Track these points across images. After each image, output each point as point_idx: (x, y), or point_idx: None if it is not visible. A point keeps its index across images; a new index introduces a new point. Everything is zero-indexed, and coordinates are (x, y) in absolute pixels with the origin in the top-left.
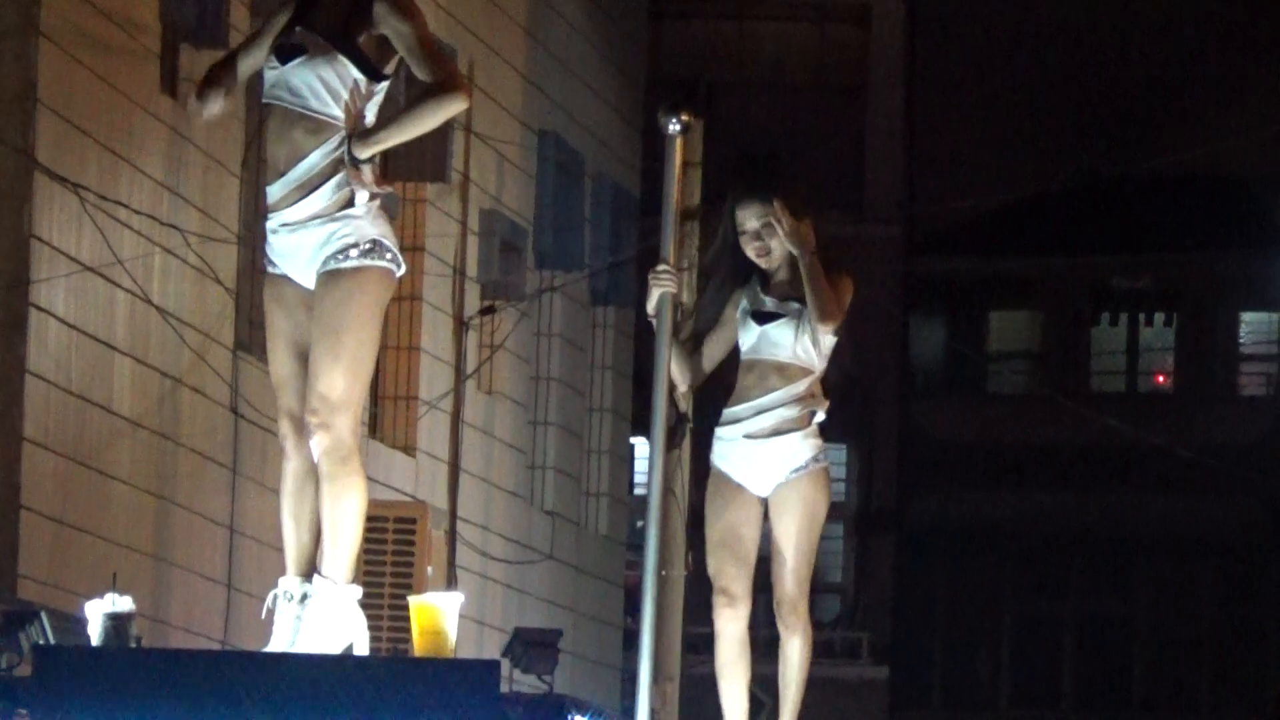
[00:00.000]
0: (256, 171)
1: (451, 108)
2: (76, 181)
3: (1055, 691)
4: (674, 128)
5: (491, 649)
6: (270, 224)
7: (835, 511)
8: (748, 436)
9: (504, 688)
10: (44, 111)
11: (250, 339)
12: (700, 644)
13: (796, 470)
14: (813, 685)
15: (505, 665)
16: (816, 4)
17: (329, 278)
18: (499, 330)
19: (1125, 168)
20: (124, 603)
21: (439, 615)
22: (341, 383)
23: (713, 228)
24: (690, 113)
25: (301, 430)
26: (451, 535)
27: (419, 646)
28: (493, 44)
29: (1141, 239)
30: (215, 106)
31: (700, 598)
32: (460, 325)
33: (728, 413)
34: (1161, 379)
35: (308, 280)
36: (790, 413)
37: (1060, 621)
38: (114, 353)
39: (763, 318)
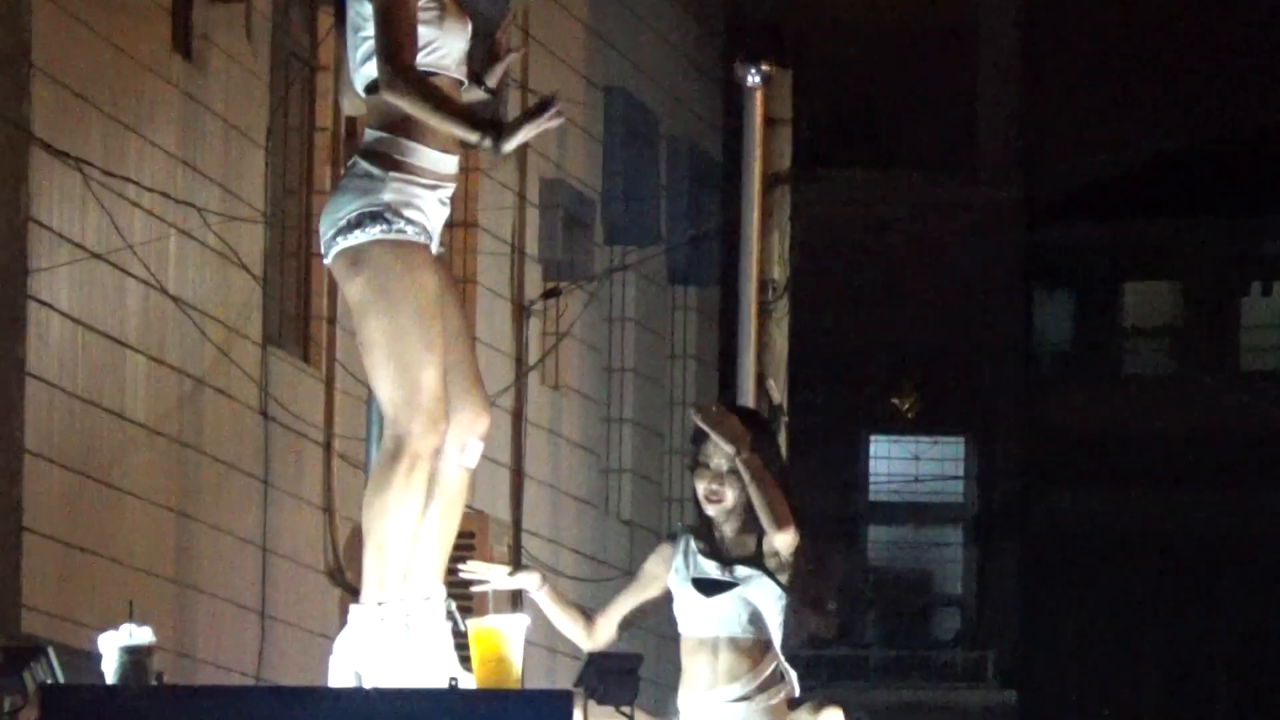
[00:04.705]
0: (283, 140)
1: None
2: (79, 156)
3: (1209, 719)
4: (753, 80)
5: (563, 678)
6: (439, 194)
7: (952, 515)
8: None
9: None
10: (40, 78)
11: (281, 331)
12: (795, 662)
13: None
14: (932, 711)
15: (579, 696)
16: None
17: (444, 262)
18: (565, 316)
19: (1278, 114)
20: (142, 634)
21: (502, 641)
22: None
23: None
24: (774, 62)
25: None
26: (516, 550)
27: (480, 677)
28: None
29: None
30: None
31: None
32: (520, 311)
33: (681, 702)
34: None
35: None
36: (761, 703)
37: (1214, 638)
38: (126, 350)
39: (709, 587)
